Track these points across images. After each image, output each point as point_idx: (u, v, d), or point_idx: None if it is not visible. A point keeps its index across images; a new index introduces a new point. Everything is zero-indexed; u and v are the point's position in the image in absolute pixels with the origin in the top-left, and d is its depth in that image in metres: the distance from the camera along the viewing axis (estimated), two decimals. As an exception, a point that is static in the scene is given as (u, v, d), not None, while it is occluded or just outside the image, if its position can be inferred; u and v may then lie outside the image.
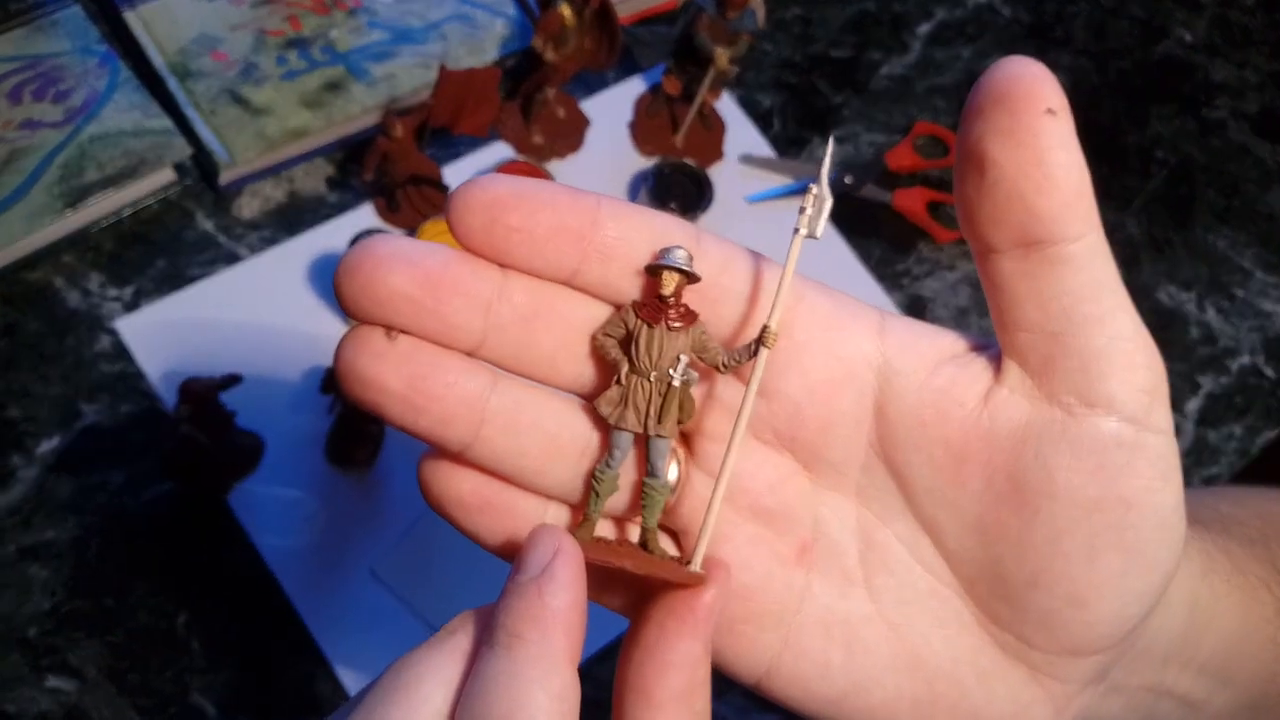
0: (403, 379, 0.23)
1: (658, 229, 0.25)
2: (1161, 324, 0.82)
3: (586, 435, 0.26)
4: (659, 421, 0.25)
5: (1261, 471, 0.79)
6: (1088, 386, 0.24)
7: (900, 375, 0.25)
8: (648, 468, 0.25)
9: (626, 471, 0.26)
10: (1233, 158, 0.90)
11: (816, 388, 0.25)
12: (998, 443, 0.25)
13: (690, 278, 0.24)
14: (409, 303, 0.23)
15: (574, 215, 0.24)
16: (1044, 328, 0.24)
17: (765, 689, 0.27)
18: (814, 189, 0.24)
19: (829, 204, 0.24)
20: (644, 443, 0.25)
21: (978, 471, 0.25)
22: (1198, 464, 0.77)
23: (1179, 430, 0.79)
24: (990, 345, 0.26)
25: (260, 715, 0.57)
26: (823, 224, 0.24)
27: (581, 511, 0.26)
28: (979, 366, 0.25)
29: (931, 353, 0.26)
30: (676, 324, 0.24)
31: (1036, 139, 0.22)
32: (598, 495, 0.25)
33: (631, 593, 0.27)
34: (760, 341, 0.24)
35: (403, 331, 0.23)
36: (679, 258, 0.24)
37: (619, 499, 0.26)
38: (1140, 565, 0.25)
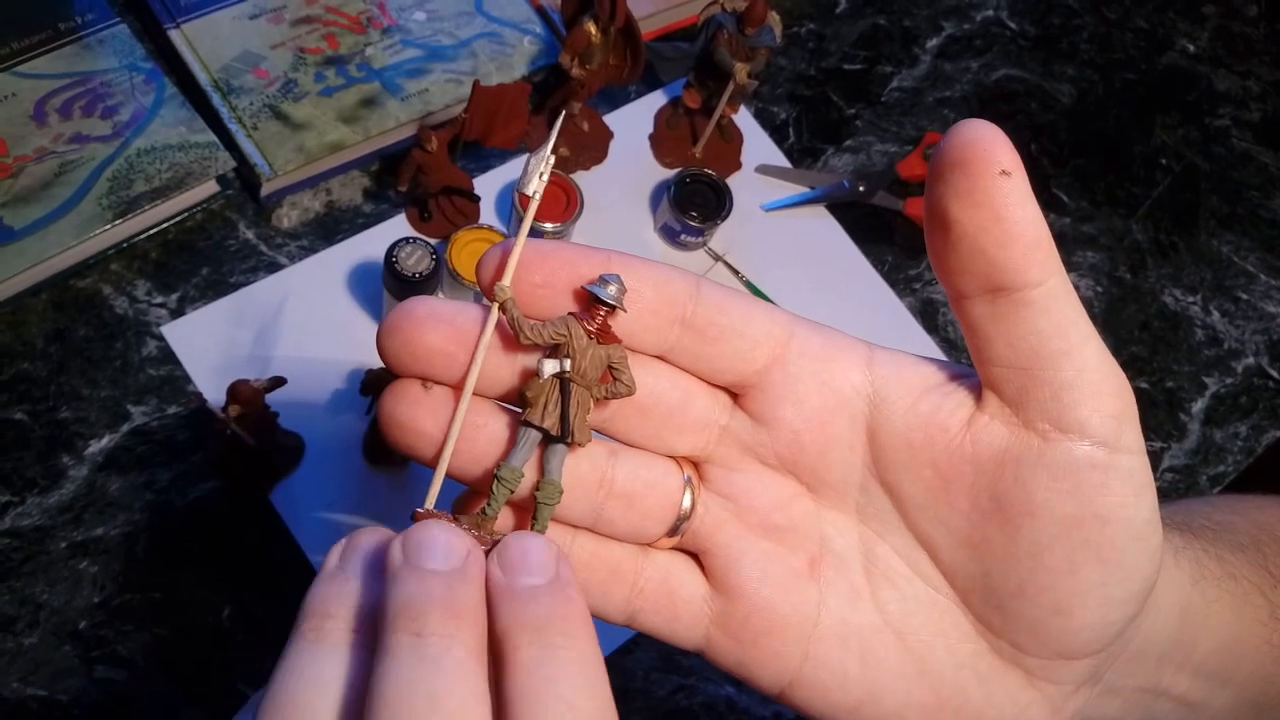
0: (437, 423, 0.26)
1: (661, 277, 0.26)
2: (1167, 326, 0.83)
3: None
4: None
5: (1267, 470, 0.80)
6: (1060, 414, 0.26)
7: (888, 403, 0.27)
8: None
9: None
10: (1236, 165, 0.92)
11: (812, 415, 0.28)
12: (981, 465, 0.27)
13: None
14: (443, 357, 0.26)
15: (588, 270, 0.26)
16: (1015, 363, 0.26)
17: (787, 698, 0.29)
18: (536, 158, 0.26)
19: (547, 165, 0.26)
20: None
21: (964, 491, 0.27)
22: (1204, 463, 0.78)
23: (1186, 431, 0.80)
24: (972, 374, 0.28)
25: (302, 704, 0.58)
26: (532, 183, 0.26)
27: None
28: (961, 395, 0.27)
29: (917, 382, 0.28)
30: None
31: (992, 199, 0.24)
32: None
33: (626, 606, 0.29)
34: (489, 297, 0.25)
35: (438, 383, 0.26)
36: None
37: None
38: (1119, 575, 0.26)
